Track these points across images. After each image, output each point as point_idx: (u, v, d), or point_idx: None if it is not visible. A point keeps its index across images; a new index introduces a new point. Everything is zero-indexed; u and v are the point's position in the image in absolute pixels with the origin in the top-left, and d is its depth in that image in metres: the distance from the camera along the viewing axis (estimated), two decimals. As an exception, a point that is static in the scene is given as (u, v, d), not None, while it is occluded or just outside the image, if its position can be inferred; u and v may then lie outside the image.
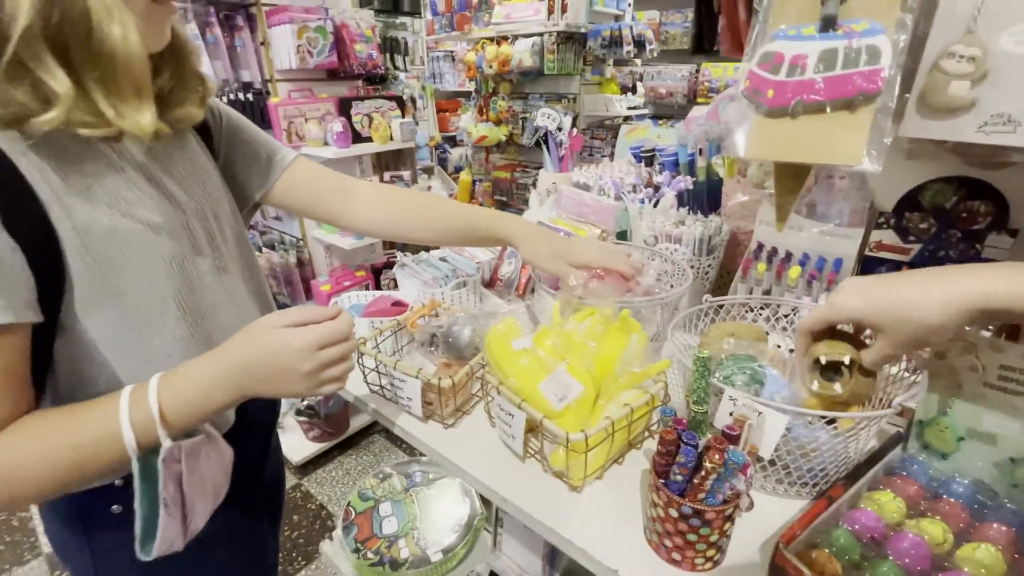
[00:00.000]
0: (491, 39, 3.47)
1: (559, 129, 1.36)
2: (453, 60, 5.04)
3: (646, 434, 0.72)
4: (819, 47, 0.51)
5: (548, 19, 3.11)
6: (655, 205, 1.08)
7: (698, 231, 0.92)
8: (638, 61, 3.48)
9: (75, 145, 0.52)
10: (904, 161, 0.71)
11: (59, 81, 0.45)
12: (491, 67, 3.41)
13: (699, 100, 4.70)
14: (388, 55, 2.34)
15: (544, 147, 1.41)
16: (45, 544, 1.88)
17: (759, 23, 0.55)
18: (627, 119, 3.84)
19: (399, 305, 0.91)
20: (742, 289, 0.86)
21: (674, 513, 0.51)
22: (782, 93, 0.53)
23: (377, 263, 2.42)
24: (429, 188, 4.23)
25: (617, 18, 3.46)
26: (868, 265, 0.81)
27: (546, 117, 1.35)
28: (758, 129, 0.55)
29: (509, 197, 3.91)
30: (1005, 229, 0.71)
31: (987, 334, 0.63)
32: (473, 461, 0.70)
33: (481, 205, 4.21)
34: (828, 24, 0.51)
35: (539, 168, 3.88)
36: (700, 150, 1.05)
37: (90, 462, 0.50)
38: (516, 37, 3.34)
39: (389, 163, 2.42)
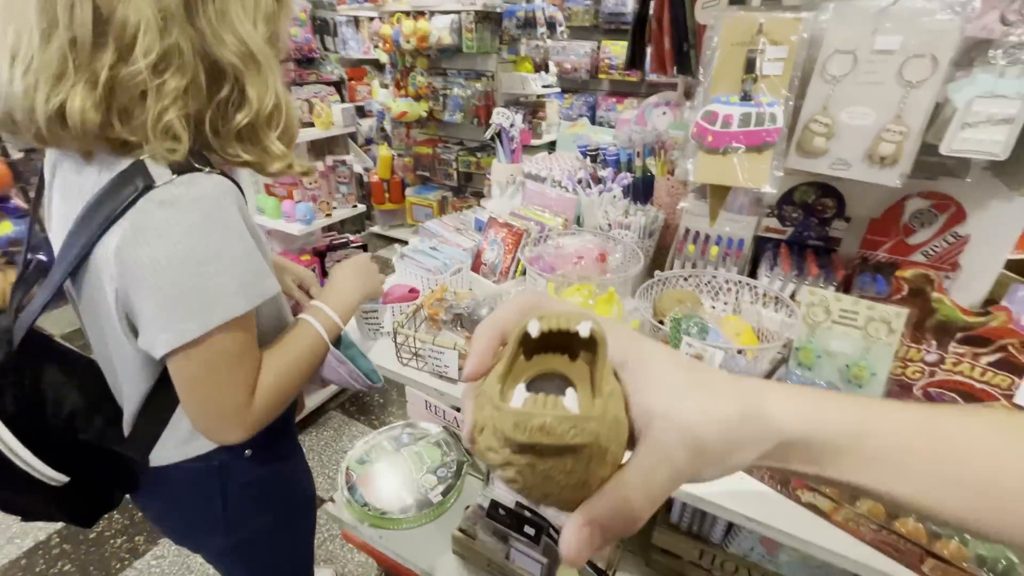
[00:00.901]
0: (407, 13, 3.46)
1: (511, 125, 1.56)
2: (356, 25, 4.86)
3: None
4: (740, 110, 0.78)
5: (466, -3, 3.19)
6: (600, 195, 1.34)
7: (642, 220, 1.20)
8: (549, 40, 3.69)
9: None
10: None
11: (277, 145, 0.68)
12: (409, 42, 3.42)
13: (600, 75, 5.08)
14: (319, 37, 2.32)
15: (498, 141, 1.61)
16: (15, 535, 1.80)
17: (702, 90, 0.80)
18: (540, 96, 4.06)
19: (413, 292, 1.08)
20: (677, 264, 1.15)
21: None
22: (717, 139, 0.79)
23: (320, 246, 2.46)
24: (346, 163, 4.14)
25: (528, -2, 3.62)
26: (760, 243, 1.14)
27: (501, 115, 1.53)
28: (701, 162, 0.82)
29: (432, 172, 3.99)
30: (843, 217, 1.06)
31: (832, 289, 0.97)
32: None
33: (402, 180, 4.23)
34: (746, 97, 0.77)
35: (460, 143, 4.01)
36: (638, 152, 1.31)
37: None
38: (432, 13, 3.37)
39: (324, 148, 2.44)
